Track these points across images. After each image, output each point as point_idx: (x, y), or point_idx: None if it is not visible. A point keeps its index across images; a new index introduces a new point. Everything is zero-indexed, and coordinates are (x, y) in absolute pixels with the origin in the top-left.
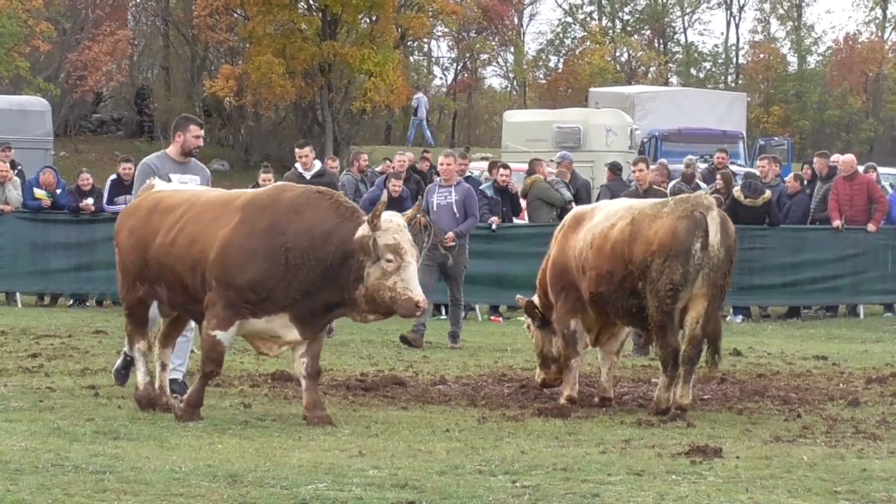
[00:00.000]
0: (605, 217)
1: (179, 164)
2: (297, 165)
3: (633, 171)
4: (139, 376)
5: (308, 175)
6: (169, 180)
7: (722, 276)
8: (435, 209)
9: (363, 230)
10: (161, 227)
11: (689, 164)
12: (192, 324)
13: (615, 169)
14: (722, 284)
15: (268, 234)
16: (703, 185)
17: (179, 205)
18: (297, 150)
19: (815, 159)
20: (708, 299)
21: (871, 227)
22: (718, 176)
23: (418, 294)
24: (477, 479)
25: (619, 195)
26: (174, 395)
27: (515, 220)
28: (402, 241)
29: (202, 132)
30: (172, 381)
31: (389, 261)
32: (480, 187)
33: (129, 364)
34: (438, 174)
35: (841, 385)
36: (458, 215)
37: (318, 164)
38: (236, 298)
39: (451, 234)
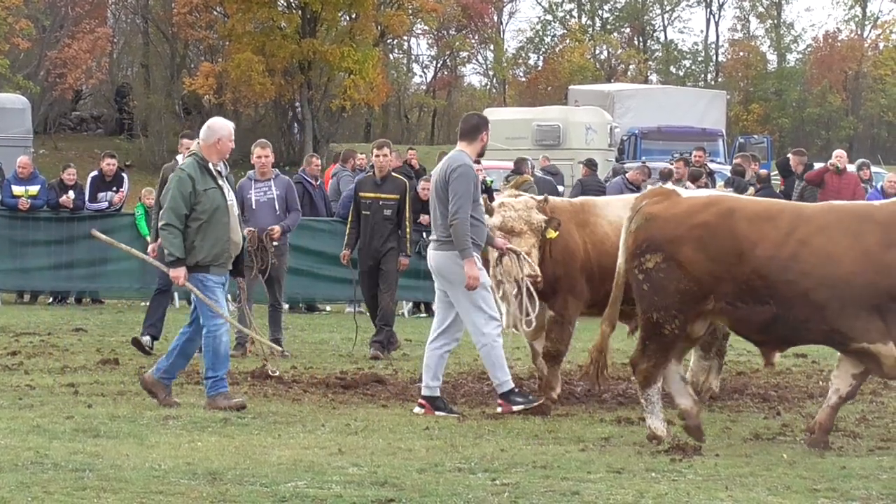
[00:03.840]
0: None
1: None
2: (179, 158)
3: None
4: (655, 423)
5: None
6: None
7: None
8: (254, 206)
9: None
10: (760, 238)
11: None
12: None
13: (591, 165)
14: None
15: None
16: (689, 184)
17: (774, 215)
18: (183, 140)
19: (790, 156)
20: None
21: None
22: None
23: None
24: (456, 477)
25: (590, 192)
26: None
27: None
28: None
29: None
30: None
31: None
32: None
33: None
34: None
35: (820, 383)
36: (279, 212)
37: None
38: None
39: (277, 227)
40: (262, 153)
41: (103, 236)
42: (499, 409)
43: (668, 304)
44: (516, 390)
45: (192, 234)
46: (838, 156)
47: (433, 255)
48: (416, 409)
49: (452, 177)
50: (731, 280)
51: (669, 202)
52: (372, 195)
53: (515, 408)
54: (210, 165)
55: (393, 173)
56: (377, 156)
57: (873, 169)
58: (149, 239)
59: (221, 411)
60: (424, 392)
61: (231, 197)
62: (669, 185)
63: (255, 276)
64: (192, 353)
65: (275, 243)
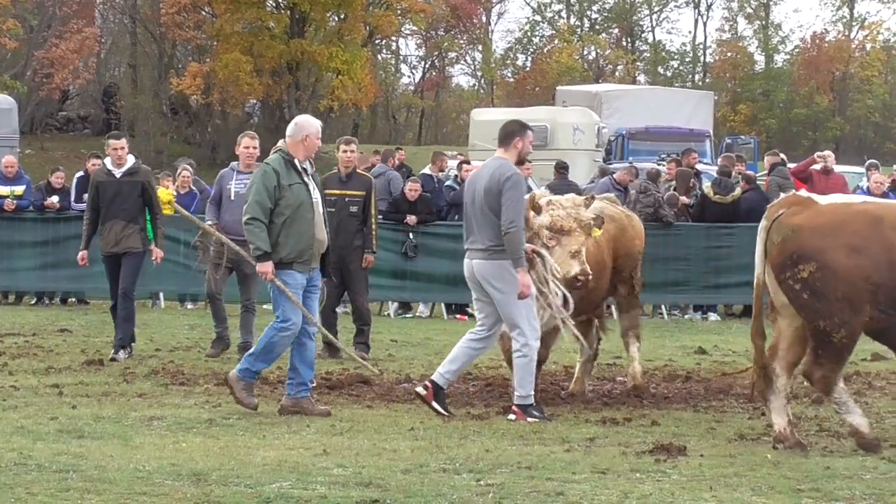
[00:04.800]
0: None
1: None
2: (107, 161)
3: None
4: (856, 420)
5: (119, 172)
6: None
7: None
8: (233, 197)
9: None
10: None
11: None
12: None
13: (560, 169)
14: None
15: None
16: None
17: None
18: (110, 141)
19: (765, 157)
20: None
21: None
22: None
23: None
24: (441, 478)
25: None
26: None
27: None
28: None
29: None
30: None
31: None
32: (447, 183)
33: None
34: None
35: (805, 383)
36: None
37: (131, 160)
38: None
39: None
40: (249, 143)
41: (186, 213)
42: (512, 416)
43: (833, 312)
44: (535, 405)
45: (275, 230)
46: (825, 154)
47: (479, 265)
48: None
49: (507, 186)
50: (885, 287)
51: (812, 211)
52: (338, 192)
53: (530, 419)
54: (296, 162)
55: (359, 170)
56: (343, 151)
57: (854, 169)
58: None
59: (206, 413)
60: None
61: (316, 194)
62: (804, 193)
63: (224, 270)
64: (311, 359)
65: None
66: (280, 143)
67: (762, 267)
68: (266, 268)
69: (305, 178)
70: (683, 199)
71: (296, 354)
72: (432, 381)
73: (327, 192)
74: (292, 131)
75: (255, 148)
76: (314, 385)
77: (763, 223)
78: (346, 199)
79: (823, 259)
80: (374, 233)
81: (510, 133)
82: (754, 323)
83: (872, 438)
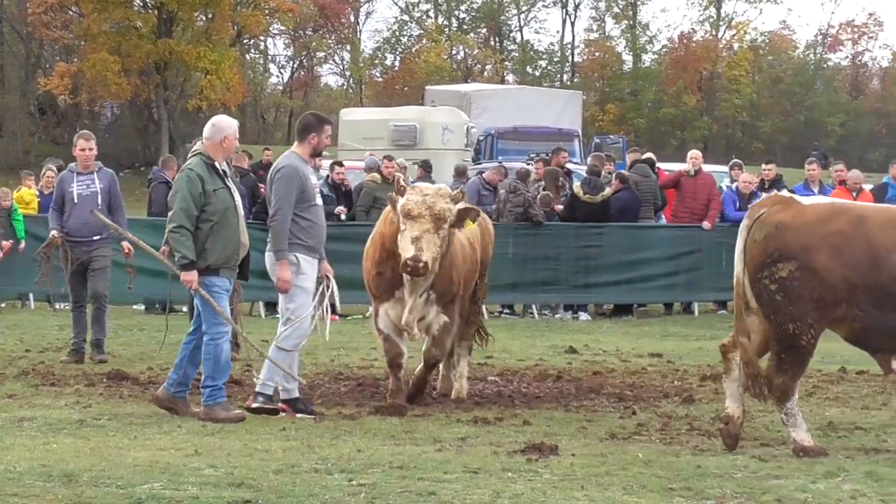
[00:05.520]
0: None
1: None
2: None
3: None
4: (801, 435)
5: None
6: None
7: None
8: (76, 200)
9: None
10: (886, 244)
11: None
12: None
13: (425, 167)
14: None
15: None
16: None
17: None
18: None
19: (644, 156)
20: None
21: (706, 224)
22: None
23: None
24: (313, 478)
25: None
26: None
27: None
28: None
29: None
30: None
31: None
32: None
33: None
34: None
35: (676, 382)
36: (101, 205)
37: None
38: None
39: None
40: (85, 145)
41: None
42: (254, 405)
43: (804, 314)
44: (269, 397)
45: (202, 237)
46: (693, 157)
47: (267, 257)
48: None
49: (276, 177)
50: (867, 287)
51: (794, 210)
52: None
53: (254, 405)
54: (217, 164)
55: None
56: (82, 149)
57: (721, 169)
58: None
59: (76, 414)
60: (283, 395)
61: (237, 197)
62: (786, 193)
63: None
64: (200, 361)
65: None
66: (197, 144)
67: (742, 265)
68: (191, 276)
69: (228, 182)
70: (558, 206)
71: (188, 354)
72: (282, 401)
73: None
74: (210, 133)
75: (91, 150)
76: (188, 390)
77: (745, 222)
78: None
79: (805, 258)
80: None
81: (306, 127)
82: (737, 322)
83: (819, 450)
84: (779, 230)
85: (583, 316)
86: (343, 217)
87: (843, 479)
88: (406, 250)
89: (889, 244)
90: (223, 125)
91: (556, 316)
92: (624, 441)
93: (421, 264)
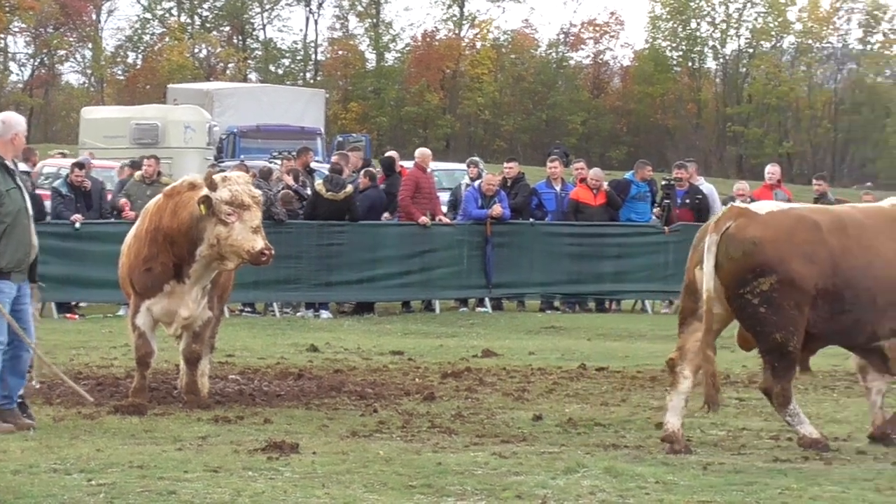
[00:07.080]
0: None
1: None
2: None
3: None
4: (807, 429)
5: None
6: None
7: None
8: None
9: None
10: (843, 248)
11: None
12: None
13: (133, 166)
14: None
15: None
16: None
17: (845, 224)
18: None
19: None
20: None
21: (422, 219)
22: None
23: None
24: (52, 478)
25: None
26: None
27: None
28: None
29: None
30: None
31: None
32: (54, 184)
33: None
34: None
35: (417, 380)
36: None
37: None
38: None
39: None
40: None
41: None
42: None
43: (787, 321)
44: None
45: None
46: (420, 156)
47: None
48: None
49: None
50: (825, 292)
51: (760, 223)
52: None
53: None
54: (7, 163)
55: None
56: None
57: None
58: None
59: None
60: None
61: (27, 197)
62: (739, 203)
63: None
64: (23, 371)
65: None
66: None
67: (711, 282)
68: None
69: (18, 181)
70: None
71: (8, 366)
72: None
73: None
74: (1, 130)
75: None
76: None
77: (712, 237)
78: None
79: (784, 269)
80: None
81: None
82: (705, 336)
83: (826, 443)
84: (757, 246)
85: (324, 314)
86: (78, 225)
87: (582, 475)
88: (250, 240)
89: (839, 248)
90: (13, 122)
91: (298, 314)
92: (365, 439)
93: (272, 252)
